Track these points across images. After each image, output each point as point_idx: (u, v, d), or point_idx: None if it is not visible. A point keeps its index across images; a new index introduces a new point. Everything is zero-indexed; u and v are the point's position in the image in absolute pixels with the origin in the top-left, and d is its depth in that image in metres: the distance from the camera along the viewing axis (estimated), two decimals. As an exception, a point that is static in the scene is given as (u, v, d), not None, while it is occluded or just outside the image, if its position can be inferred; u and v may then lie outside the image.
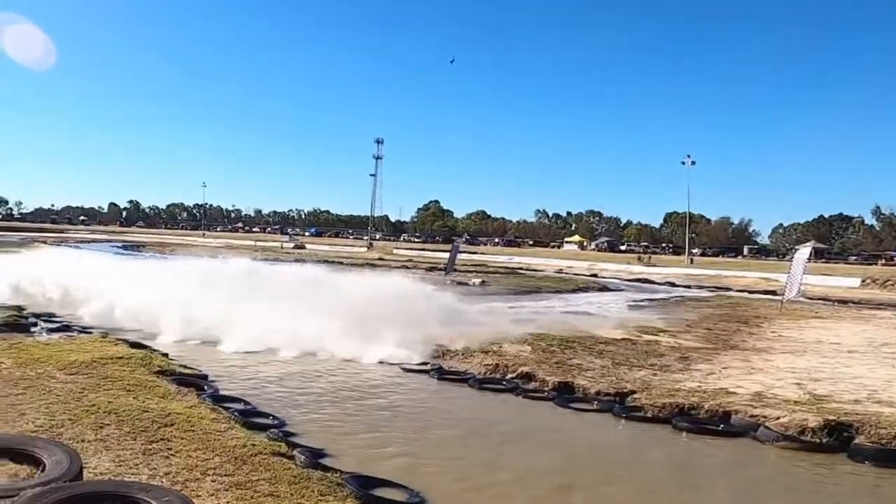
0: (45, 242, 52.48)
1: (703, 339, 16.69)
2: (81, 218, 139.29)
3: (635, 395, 10.32)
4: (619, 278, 47.16)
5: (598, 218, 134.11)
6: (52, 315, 15.46)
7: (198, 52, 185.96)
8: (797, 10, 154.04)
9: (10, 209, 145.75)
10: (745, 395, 10.36)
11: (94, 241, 70.21)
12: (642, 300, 30.05)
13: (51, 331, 13.48)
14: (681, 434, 9.00)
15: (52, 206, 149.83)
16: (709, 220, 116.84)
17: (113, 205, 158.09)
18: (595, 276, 48.64)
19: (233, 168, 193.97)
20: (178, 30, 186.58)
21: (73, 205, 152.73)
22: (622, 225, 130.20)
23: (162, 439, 6.70)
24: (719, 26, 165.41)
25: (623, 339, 15.84)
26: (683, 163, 74.28)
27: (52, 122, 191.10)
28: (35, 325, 14.04)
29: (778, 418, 9.03)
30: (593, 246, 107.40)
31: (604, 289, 37.15)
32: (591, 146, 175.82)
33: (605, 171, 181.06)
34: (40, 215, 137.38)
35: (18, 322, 13.85)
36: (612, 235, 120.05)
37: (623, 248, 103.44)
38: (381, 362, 12.43)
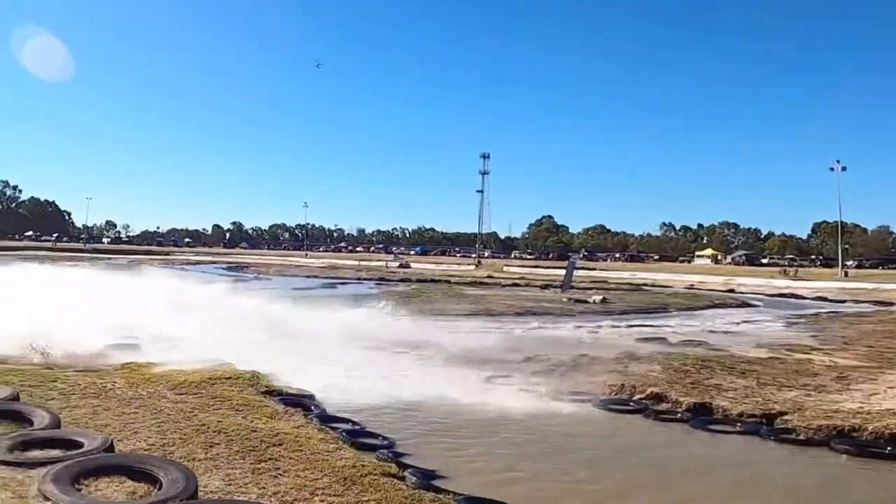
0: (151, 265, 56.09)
1: (863, 358, 15.71)
2: (186, 240, 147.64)
3: (785, 417, 9.91)
4: (760, 293, 45.11)
5: (733, 229, 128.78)
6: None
7: (298, 76, 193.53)
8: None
9: (119, 232, 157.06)
10: (916, 416, 9.69)
11: (199, 262, 74.99)
12: (789, 316, 28.77)
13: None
14: (840, 457, 8.66)
15: (158, 228, 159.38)
16: (865, 230, 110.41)
17: (217, 226, 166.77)
18: (732, 291, 46.71)
19: (335, 188, 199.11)
20: (280, 56, 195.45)
21: (178, 227, 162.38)
22: (762, 237, 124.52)
23: (270, 459, 6.98)
24: (865, 24, 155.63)
25: (769, 357, 15.25)
26: (832, 169, 71.29)
27: (156, 151, 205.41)
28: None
29: (957, 442, 8.45)
30: (729, 259, 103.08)
31: (743, 305, 35.83)
32: (722, 154, 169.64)
33: (737, 181, 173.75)
34: (146, 238, 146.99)
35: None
36: (750, 248, 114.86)
37: (765, 261, 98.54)
38: (490, 380, 12.40)
